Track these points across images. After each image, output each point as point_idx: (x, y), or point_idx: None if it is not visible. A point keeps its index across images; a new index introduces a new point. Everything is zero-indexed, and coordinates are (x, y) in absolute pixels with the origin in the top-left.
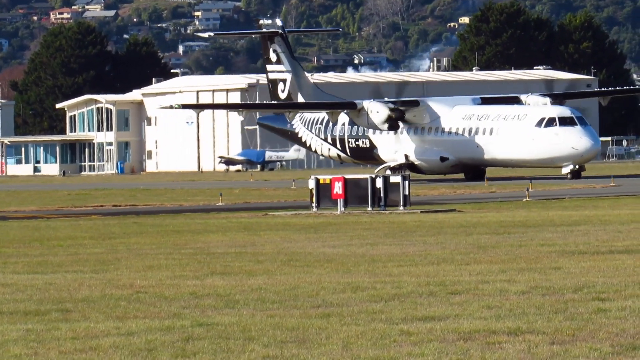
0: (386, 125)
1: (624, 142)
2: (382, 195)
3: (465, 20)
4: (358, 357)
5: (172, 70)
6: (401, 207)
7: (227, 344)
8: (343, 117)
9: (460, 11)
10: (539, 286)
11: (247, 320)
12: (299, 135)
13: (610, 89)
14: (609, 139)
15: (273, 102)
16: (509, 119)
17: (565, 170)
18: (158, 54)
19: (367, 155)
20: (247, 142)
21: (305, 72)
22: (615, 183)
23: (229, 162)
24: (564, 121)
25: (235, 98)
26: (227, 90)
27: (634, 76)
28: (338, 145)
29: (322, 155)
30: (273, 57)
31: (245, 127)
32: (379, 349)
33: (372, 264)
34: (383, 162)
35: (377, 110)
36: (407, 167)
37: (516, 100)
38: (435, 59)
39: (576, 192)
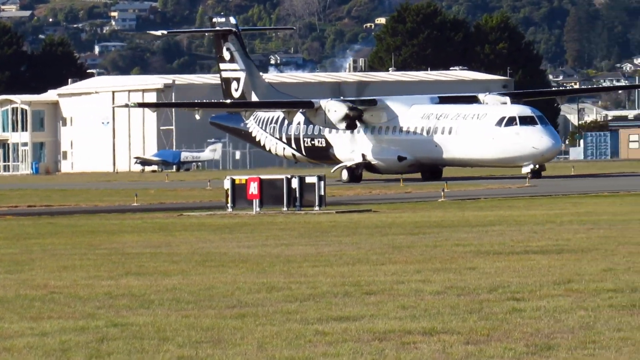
0: (344, 124)
1: None
2: (297, 195)
3: (381, 20)
4: (273, 357)
5: (88, 71)
6: (316, 208)
7: (142, 344)
8: (298, 117)
9: (376, 12)
10: (454, 286)
11: (162, 320)
12: (253, 135)
13: (570, 87)
14: None
15: (226, 101)
16: (469, 118)
17: (526, 169)
18: (74, 54)
19: (323, 155)
20: (162, 142)
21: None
22: (531, 183)
23: (144, 162)
24: (525, 120)
25: (151, 98)
26: (143, 91)
27: (550, 77)
28: (293, 145)
29: (276, 154)
30: (226, 55)
31: (161, 128)
32: (294, 349)
33: (287, 264)
34: (339, 161)
35: (335, 109)
36: (364, 167)
37: (474, 100)
38: (351, 59)
39: (491, 193)
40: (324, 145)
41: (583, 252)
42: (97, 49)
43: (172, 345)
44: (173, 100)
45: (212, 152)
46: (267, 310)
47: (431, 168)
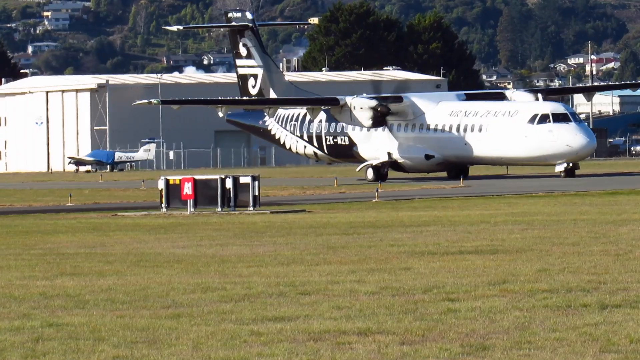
0: (371, 122)
1: None
2: (231, 195)
3: (315, 20)
4: (208, 357)
5: (21, 71)
6: (251, 208)
7: (77, 344)
8: (320, 114)
9: (309, 11)
10: (389, 287)
11: (97, 320)
12: (272, 133)
13: (605, 84)
14: None
15: (245, 97)
16: (500, 115)
17: (559, 168)
18: (7, 54)
19: (346, 153)
20: (96, 142)
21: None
22: (465, 184)
23: (78, 162)
24: (558, 117)
25: (84, 98)
26: (77, 91)
27: (484, 77)
28: (315, 143)
29: (297, 153)
30: (243, 51)
31: (95, 128)
32: (229, 349)
33: (222, 265)
34: (363, 160)
35: (362, 107)
36: (389, 165)
37: (501, 97)
38: (285, 59)
39: (426, 193)
40: (347, 143)
41: (518, 252)
42: (30, 49)
43: (107, 345)
44: (107, 101)
45: (146, 152)
46: (202, 310)
47: (458, 166)
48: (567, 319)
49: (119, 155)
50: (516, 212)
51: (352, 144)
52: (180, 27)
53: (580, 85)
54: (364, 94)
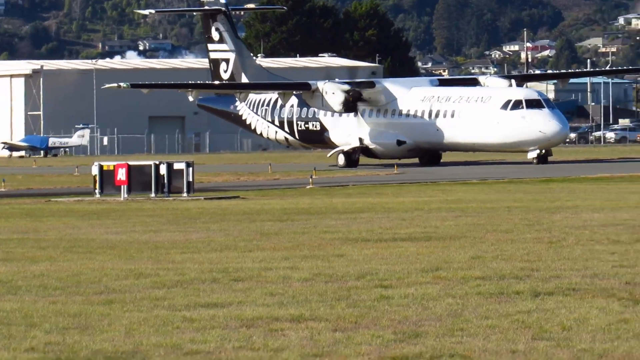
0: (342, 107)
1: None
2: (165, 182)
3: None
4: (140, 343)
5: None
6: (185, 194)
7: (9, 330)
8: (292, 99)
9: None
10: (322, 273)
11: (29, 306)
12: (243, 118)
13: (574, 70)
14: None
15: (215, 82)
16: (472, 101)
17: (532, 154)
18: None
19: (318, 139)
20: (30, 128)
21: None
22: (399, 171)
23: (12, 148)
24: (531, 104)
25: (19, 84)
26: (11, 76)
27: (419, 64)
28: (286, 128)
29: (268, 138)
30: (215, 35)
31: (29, 113)
32: (162, 335)
33: (155, 251)
34: (335, 145)
35: (333, 92)
36: (361, 151)
37: (474, 83)
38: None
39: (360, 180)
40: (318, 128)
41: (451, 239)
42: None
43: (39, 331)
44: (41, 86)
45: (80, 137)
46: (134, 296)
47: (430, 153)
48: (500, 307)
49: (52, 141)
50: (450, 199)
51: (323, 129)
52: (153, 11)
53: (553, 71)
54: (336, 79)
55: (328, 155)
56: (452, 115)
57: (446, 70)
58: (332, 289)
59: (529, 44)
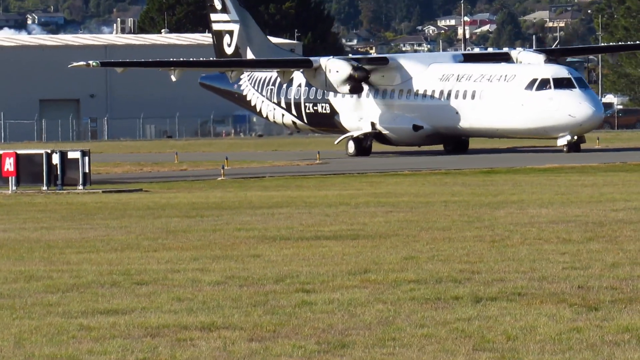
0: (347, 87)
1: None
2: (59, 173)
3: None
4: (32, 355)
5: None
6: (80, 187)
7: None
8: (300, 78)
9: None
10: (236, 276)
11: None
12: (248, 99)
13: (622, 44)
14: None
15: (215, 59)
16: (495, 80)
17: (562, 141)
18: None
19: (327, 123)
20: None
21: None
22: (322, 160)
23: None
24: (560, 83)
25: None
26: None
27: (344, 41)
28: (293, 111)
29: (275, 122)
30: (217, 4)
31: None
32: (56, 345)
33: (48, 250)
34: (346, 130)
35: (337, 69)
36: (373, 137)
37: (505, 58)
38: (119, 20)
39: (278, 171)
40: (328, 111)
41: (381, 237)
42: None
43: None
44: None
45: None
46: (25, 302)
47: (454, 139)
48: (437, 313)
49: None
50: (379, 193)
51: (333, 112)
52: None
53: (591, 45)
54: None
55: (336, 142)
56: (473, 97)
57: (374, 48)
58: (247, 294)
59: (466, 18)
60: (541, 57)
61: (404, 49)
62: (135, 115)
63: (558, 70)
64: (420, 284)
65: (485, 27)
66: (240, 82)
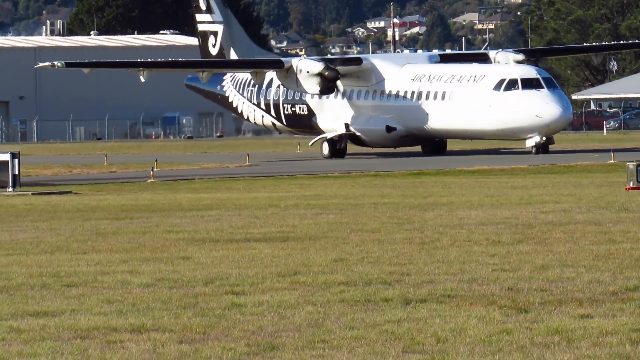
0: (318, 88)
1: None
2: None
3: None
4: None
5: None
6: (10, 189)
7: None
8: (277, 80)
9: None
10: (166, 278)
11: None
12: (230, 100)
13: (602, 44)
14: None
15: (184, 60)
16: (464, 81)
17: (530, 142)
18: None
19: (305, 124)
20: None
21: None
22: (252, 162)
23: None
24: (528, 83)
25: None
26: None
27: (273, 42)
28: (272, 112)
29: (256, 123)
30: (202, 4)
31: None
32: None
33: None
34: (322, 132)
35: (308, 70)
36: (347, 139)
37: (484, 58)
38: (48, 22)
39: (207, 173)
40: (305, 112)
41: (311, 240)
42: None
43: None
44: None
45: None
46: None
47: (429, 140)
48: (366, 315)
49: None
50: (309, 195)
51: (311, 113)
52: None
53: (575, 45)
54: (314, 56)
55: (309, 143)
56: (443, 97)
57: (303, 50)
58: (177, 296)
59: (396, 20)
60: (519, 57)
61: (333, 50)
62: (65, 117)
63: (526, 71)
64: (350, 286)
65: (415, 29)
66: (223, 84)
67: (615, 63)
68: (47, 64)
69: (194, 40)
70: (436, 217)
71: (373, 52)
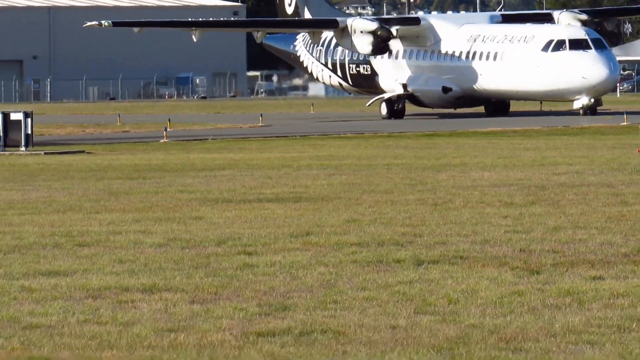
0: (370, 48)
1: (275, 78)
2: (1, 134)
3: None
4: None
5: None
6: (23, 148)
7: None
8: None
9: None
10: (178, 238)
11: None
12: (301, 60)
13: None
14: (258, 73)
15: (235, 19)
16: (515, 41)
17: (577, 104)
18: None
19: (369, 84)
20: None
21: None
22: (265, 122)
23: None
24: (576, 44)
25: None
26: None
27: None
28: (339, 72)
29: (324, 83)
30: None
31: None
32: None
33: None
34: (384, 92)
35: (361, 30)
36: (406, 99)
37: (547, 19)
38: None
39: (220, 133)
40: (369, 72)
41: (324, 200)
42: None
43: None
44: None
45: None
46: None
47: (488, 101)
48: (379, 276)
49: None
50: (322, 155)
51: (374, 73)
52: None
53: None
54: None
55: (367, 104)
56: (494, 58)
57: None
58: (189, 256)
59: None
60: (583, 17)
61: (347, 11)
62: (78, 77)
63: (575, 31)
64: (362, 247)
65: None
66: (295, 43)
67: (629, 25)
68: (94, 22)
69: (209, 2)
70: (449, 178)
71: (387, 14)
